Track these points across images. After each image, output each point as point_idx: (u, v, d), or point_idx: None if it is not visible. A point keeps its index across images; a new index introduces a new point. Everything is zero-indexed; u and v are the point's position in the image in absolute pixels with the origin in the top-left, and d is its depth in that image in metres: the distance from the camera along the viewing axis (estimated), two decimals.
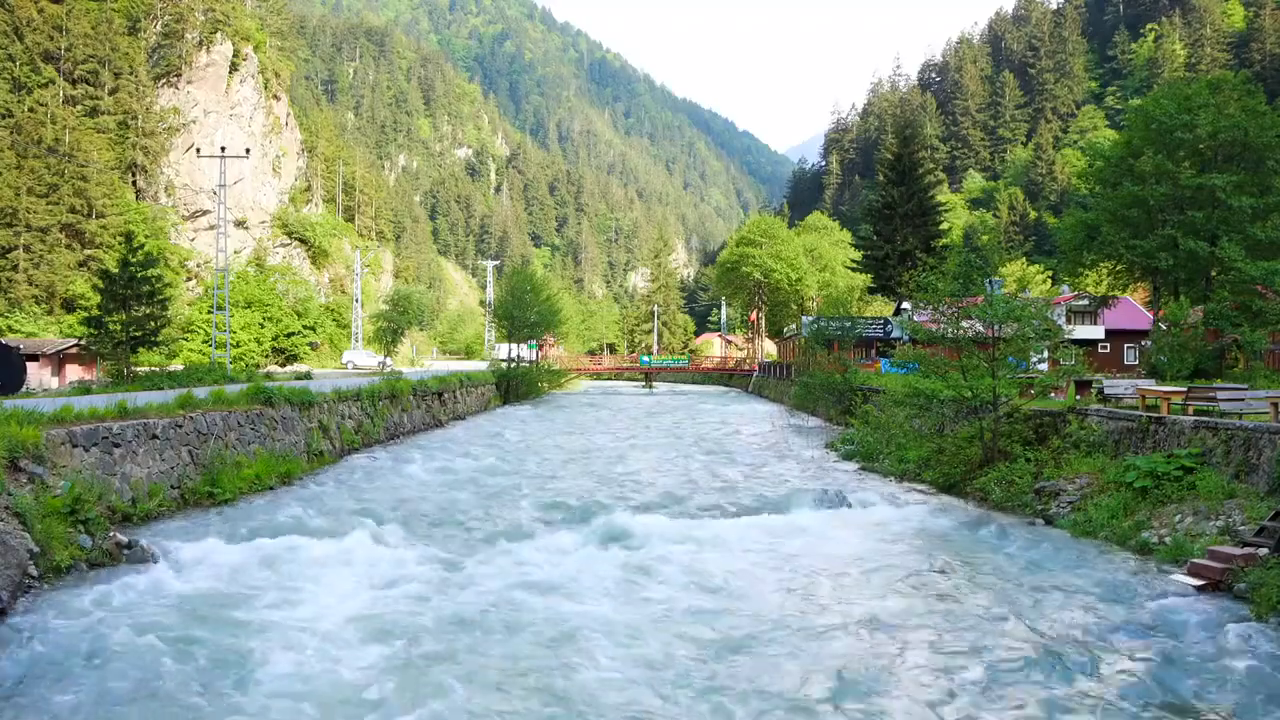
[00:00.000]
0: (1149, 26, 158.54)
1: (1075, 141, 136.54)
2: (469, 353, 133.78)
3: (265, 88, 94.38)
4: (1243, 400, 18.25)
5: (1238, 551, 13.06)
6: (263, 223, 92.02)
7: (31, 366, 39.28)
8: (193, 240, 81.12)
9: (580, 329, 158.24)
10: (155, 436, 19.04)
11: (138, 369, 36.18)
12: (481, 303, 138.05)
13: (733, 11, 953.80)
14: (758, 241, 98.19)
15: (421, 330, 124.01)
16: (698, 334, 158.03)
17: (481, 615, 12.41)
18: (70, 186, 65.60)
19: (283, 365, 73.31)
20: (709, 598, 13.47)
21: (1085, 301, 47.96)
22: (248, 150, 75.03)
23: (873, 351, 63.28)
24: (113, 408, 19.02)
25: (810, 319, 64.27)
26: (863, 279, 79.57)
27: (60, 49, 72.06)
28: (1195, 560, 13.56)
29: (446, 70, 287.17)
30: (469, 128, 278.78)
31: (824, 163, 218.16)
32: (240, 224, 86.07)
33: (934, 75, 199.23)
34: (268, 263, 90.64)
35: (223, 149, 59.17)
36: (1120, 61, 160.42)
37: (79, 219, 66.07)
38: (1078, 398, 24.48)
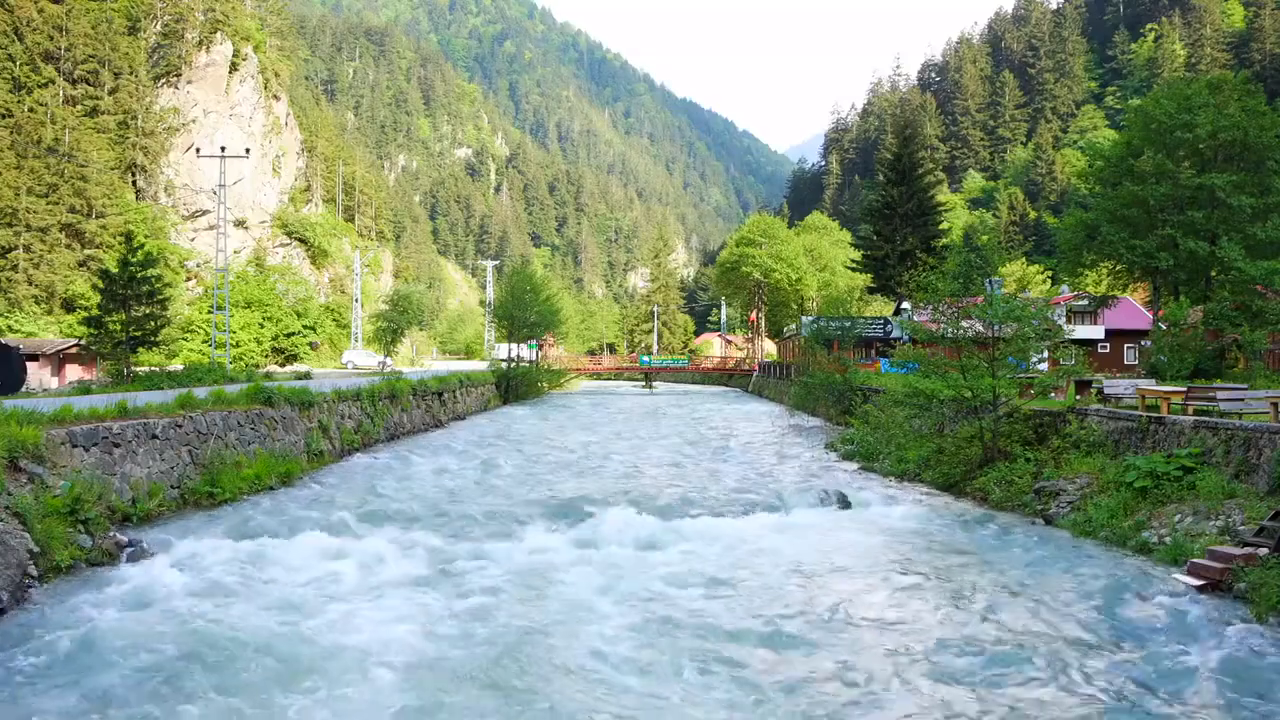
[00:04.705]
0: (1149, 26, 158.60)
1: (1075, 141, 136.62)
2: (469, 353, 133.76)
3: (265, 88, 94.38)
4: (1242, 400, 18.25)
5: (1238, 551, 13.06)
6: (263, 223, 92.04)
7: (31, 366, 39.28)
8: (193, 240, 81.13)
9: (580, 329, 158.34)
10: (155, 436, 19.04)
11: (138, 369, 36.17)
12: (481, 303, 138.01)
13: (733, 11, 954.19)
14: (758, 241, 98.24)
15: (421, 330, 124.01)
16: (698, 334, 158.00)
17: (483, 613, 12.42)
18: (70, 186, 65.61)
19: (283, 365, 73.31)
20: (709, 597, 13.46)
21: (1085, 301, 47.97)
22: (247, 150, 75.02)
23: (873, 351, 63.28)
24: (113, 408, 19.01)
25: (810, 319, 64.26)
26: (863, 279, 79.59)
27: (60, 49, 72.06)
28: (1195, 560, 13.56)
29: (446, 70, 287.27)
30: (469, 128, 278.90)
31: (824, 163, 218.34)
32: (240, 224, 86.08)
33: (934, 75, 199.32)
34: (267, 263, 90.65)
35: (223, 149, 59.18)
36: (1120, 61, 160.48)
37: (79, 219, 66.08)
38: (1077, 398, 24.47)
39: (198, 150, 74.16)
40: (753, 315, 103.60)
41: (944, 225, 78.87)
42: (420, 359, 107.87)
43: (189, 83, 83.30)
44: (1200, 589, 12.86)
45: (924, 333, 25.44)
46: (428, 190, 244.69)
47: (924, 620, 12.41)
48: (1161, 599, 12.74)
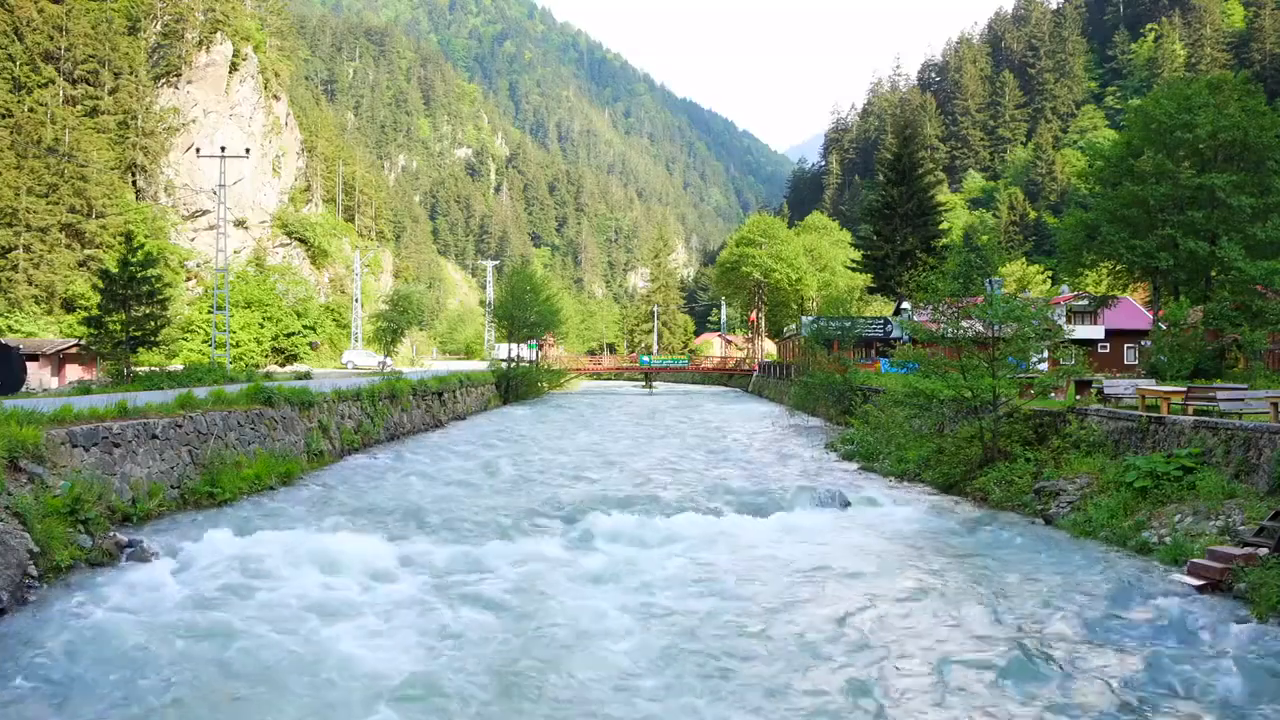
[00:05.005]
0: (1149, 26, 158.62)
1: (1075, 141, 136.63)
2: (469, 353, 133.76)
3: (265, 88, 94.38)
4: (1242, 400, 18.25)
5: (1238, 551, 13.05)
6: (263, 223, 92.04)
7: (31, 366, 39.28)
8: (193, 240, 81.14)
9: (580, 329, 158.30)
10: (155, 436, 19.04)
11: (138, 369, 36.17)
12: (481, 303, 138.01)
13: (733, 11, 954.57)
14: (758, 241, 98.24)
15: (421, 330, 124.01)
16: (698, 334, 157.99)
17: (482, 615, 12.41)
18: (70, 186, 65.62)
19: (283, 365, 73.32)
20: (709, 598, 13.44)
21: (1085, 301, 47.97)
22: (247, 150, 75.04)
23: (873, 351, 63.28)
24: (113, 408, 19.00)
25: (810, 319, 64.26)
26: (863, 279, 79.60)
27: (60, 49, 72.07)
28: (1195, 560, 13.56)
29: (446, 70, 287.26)
30: (469, 128, 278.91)
31: (824, 163, 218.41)
32: (240, 224, 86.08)
33: (934, 75, 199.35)
34: (267, 263, 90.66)
35: (223, 149, 59.19)
36: (1120, 61, 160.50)
37: (79, 219, 66.09)
38: (1078, 398, 24.48)
39: (198, 150, 74.16)
40: (753, 315, 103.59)
41: (944, 225, 78.88)
42: (420, 359, 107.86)
43: (189, 83, 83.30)
44: (1200, 589, 12.85)
45: (924, 333, 25.43)
46: (428, 190, 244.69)
47: (923, 620, 12.40)
48: (1161, 599, 12.73)
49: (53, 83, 71.05)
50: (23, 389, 32.14)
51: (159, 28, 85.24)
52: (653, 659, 10.88)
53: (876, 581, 14.45)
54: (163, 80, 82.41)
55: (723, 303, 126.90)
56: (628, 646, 11.25)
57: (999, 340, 23.35)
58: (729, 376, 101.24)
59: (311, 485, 23.29)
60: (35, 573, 12.68)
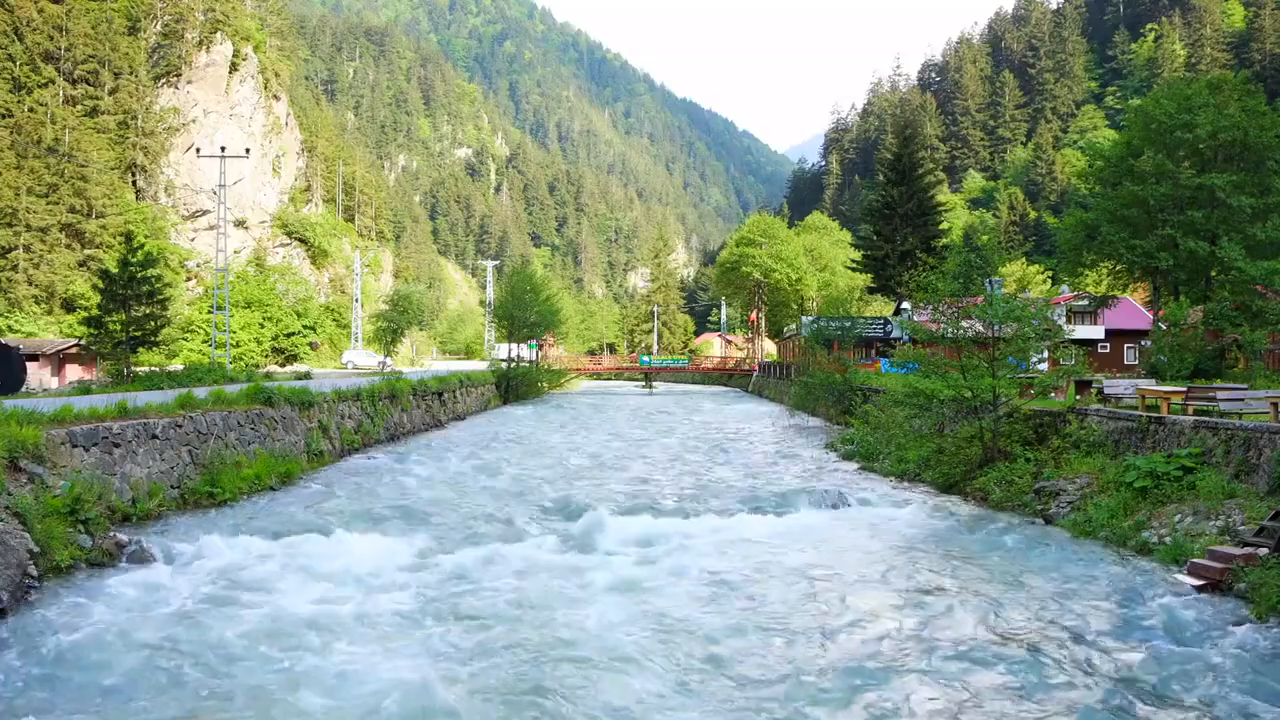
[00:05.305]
0: (1149, 26, 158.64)
1: (1075, 141, 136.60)
2: (469, 353, 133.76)
3: (265, 88, 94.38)
4: (1242, 400, 18.25)
5: (1238, 551, 13.06)
6: (263, 223, 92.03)
7: (31, 366, 39.27)
8: (193, 240, 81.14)
9: (580, 329, 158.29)
10: (155, 436, 19.03)
11: (138, 369, 36.15)
12: (481, 303, 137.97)
13: (733, 11, 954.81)
14: (758, 241, 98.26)
15: (421, 330, 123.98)
16: (698, 334, 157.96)
17: (482, 616, 12.39)
18: (70, 186, 65.62)
19: (283, 365, 73.30)
20: (709, 598, 13.44)
21: (1085, 301, 47.96)
22: (247, 150, 75.02)
23: (873, 351, 63.27)
24: (113, 408, 19.00)
25: (810, 319, 64.24)
26: (863, 279, 79.60)
27: (60, 49, 72.08)
28: (1195, 560, 13.56)
29: (446, 70, 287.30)
30: (469, 128, 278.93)
31: (824, 163, 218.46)
32: (240, 224, 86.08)
33: (934, 75, 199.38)
34: (268, 263, 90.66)
35: (223, 149, 59.18)
36: (1120, 61, 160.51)
37: (79, 219, 66.09)
38: (1078, 398, 24.47)
39: (198, 150, 74.16)
40: (753, 315, 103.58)
41: (944, 225, 78.88)
42: (420, 359, 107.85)
43: (189, 83, 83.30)
44: (1200, 589, 12.85)
45: (924, 333, 25.43)
46: (428, 190, 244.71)
47: (923, 620, 12.38)
48: (1161, 599, 12.73)
49: (53, 83, 71.05)
50: (23, 389, 32.13)
51: (159, 28, 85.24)
52: (663, 675, 10.56)
53: (880, 584, 14.44)
54: (163, 80, 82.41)
55: (723, 303, 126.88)
56: (636, 661, 10.93)
57: (999, 340, 23.34)
58: (729, 376, 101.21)
59: (311, 485, 23.28)
60: (35, 573, 12.67)
